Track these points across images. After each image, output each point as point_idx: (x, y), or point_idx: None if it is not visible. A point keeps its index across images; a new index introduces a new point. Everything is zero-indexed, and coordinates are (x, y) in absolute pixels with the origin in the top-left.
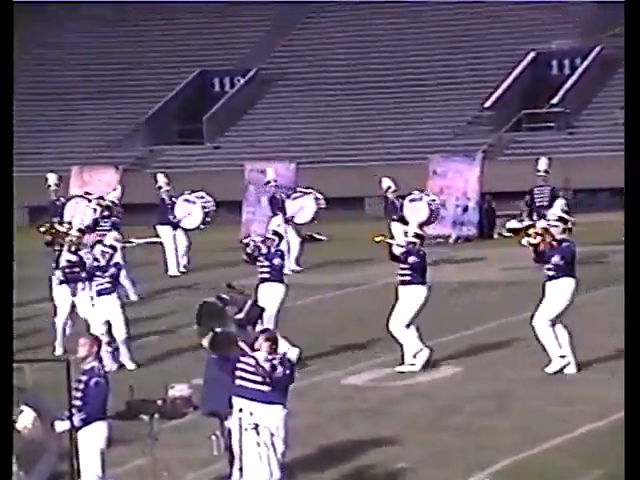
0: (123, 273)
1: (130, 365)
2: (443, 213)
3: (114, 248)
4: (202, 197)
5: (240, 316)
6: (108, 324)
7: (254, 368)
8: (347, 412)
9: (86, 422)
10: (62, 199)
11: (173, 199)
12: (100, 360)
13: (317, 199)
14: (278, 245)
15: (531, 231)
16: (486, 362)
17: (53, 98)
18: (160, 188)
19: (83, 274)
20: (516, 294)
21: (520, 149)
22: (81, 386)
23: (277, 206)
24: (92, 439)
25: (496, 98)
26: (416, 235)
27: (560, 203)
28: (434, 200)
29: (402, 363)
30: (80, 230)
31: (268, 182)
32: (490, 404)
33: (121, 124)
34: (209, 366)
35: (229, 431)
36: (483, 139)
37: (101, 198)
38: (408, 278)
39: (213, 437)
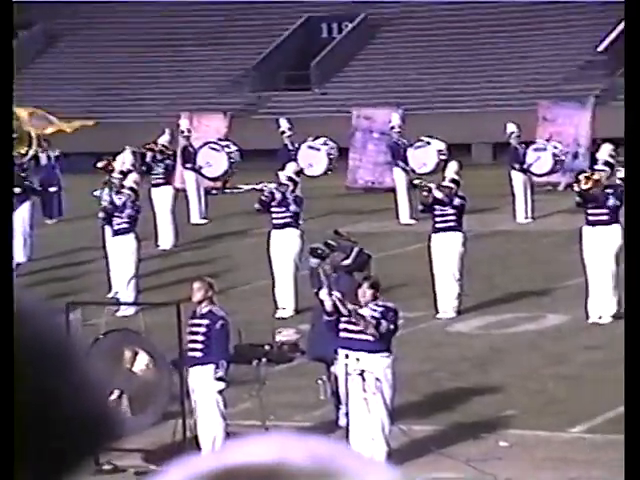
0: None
1: (125, 311)
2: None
3: (133, 190)
4: (326, 143)
5: (347, 262)
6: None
7: (360, 324)
8: (454, 359)
9: (223, 365)
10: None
11: (296, 145)
12: (214, 303)
13: (440, 151)
14: (293, 191)
15: (581, 177)
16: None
17: (163, 45)
18: (283, 133)
19: (102, 214)
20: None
21: None
22: (202, 329)
23: (398, 153)
24: (211, 381)
25: (610, 42)
26: (452, 180)
27: (607, 148)
28: (560, 150)
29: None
30: (122, 172)
31: (392, 127)
32: (595, 353)
33: (229, 71)
34: (315, 312)
35: (335, 376)
36: (596, 84)
37: (154, 143)
38: (453, 224)
39: (320, 382)
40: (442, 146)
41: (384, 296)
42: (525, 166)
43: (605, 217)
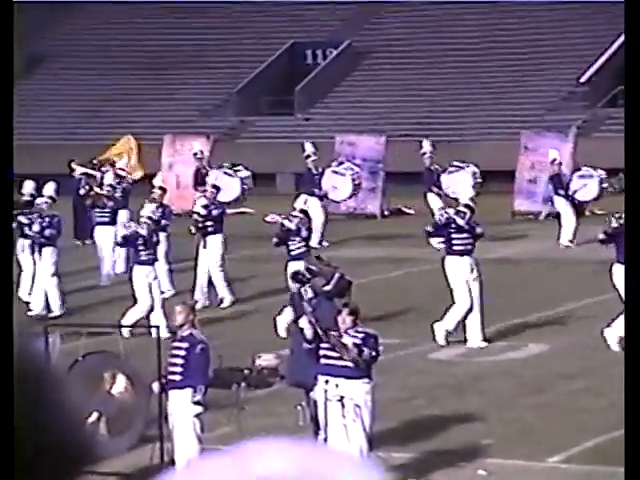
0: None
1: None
2: (533, 189)
3: (305, 213)
4: (350, 168)
5: (328, 288)
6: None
7: (342, 353)
8: (433, 387)
9: (200, 389)
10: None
11: (320, 169)
12: (195, 327)
13: (475, 173)
14: (463, 218)
15: None
16: (575, 340)
17: (147, 68)
18: (308, 157)
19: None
20: (607, 272)
21: (616, 125)
22: (182, 352)
23: (431, 179)
24: (189, 405)
25: (592, 73)
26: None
27: None
28: (603, 178)
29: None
30: (214, 186)
31: (424, 154)
32: (576, 383)
33: (213, 94)
34: (295, 337)
35: (314, 402)
36: (578, 115)
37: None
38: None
39: (299, 407)
40: (476, 170)
41: (364, 323)
42: (570, 192)
43: None
